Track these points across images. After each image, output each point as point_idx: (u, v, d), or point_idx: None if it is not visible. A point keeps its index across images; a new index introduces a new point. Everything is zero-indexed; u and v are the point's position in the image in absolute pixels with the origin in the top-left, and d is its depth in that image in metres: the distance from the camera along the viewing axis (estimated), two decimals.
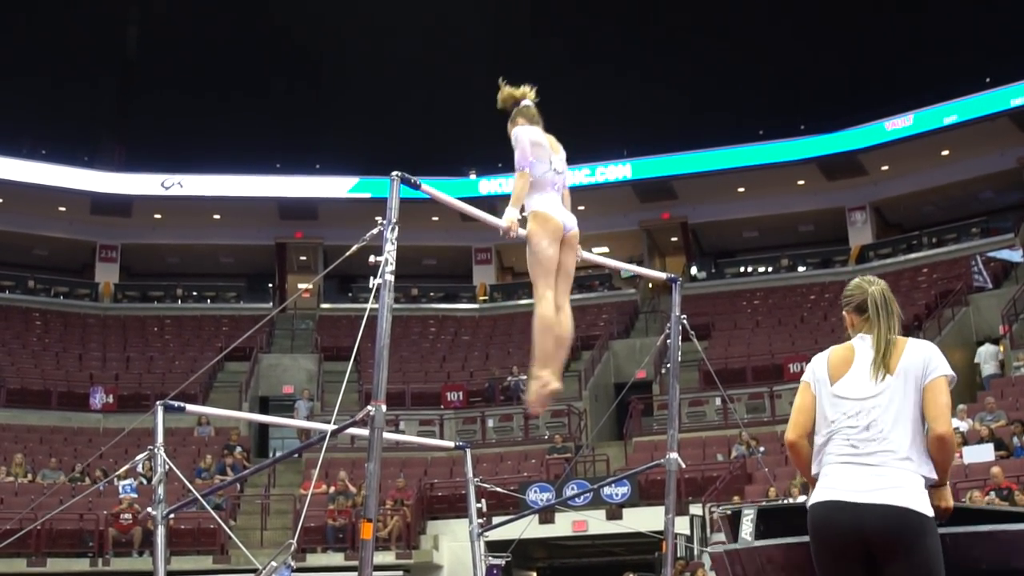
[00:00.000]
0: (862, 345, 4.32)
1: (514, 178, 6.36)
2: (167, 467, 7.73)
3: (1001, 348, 24.07)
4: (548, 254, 6.28)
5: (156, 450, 7.70)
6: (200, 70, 34.07)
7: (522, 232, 6.31)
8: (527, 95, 6.68)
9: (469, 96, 35.51)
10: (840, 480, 4.21)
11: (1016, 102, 27.81)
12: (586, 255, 7.04)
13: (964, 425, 19.53)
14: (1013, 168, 28.99)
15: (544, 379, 6.18)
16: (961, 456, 18.35)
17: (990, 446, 18.26)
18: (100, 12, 33.80)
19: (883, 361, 4.23)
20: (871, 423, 4.19)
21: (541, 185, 6.40)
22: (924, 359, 4.26)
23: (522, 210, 6.36)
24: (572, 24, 34.87)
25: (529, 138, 6.38)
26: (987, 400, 20.45)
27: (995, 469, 16.79)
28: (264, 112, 34.26)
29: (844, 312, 4.47)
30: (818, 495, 4.26)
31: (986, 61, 28.84)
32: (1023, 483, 16.50)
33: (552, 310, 6.25)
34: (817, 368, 4.39)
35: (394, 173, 5.57)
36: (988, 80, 28.23)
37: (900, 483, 4.12)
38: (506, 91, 6.69)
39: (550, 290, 6.28)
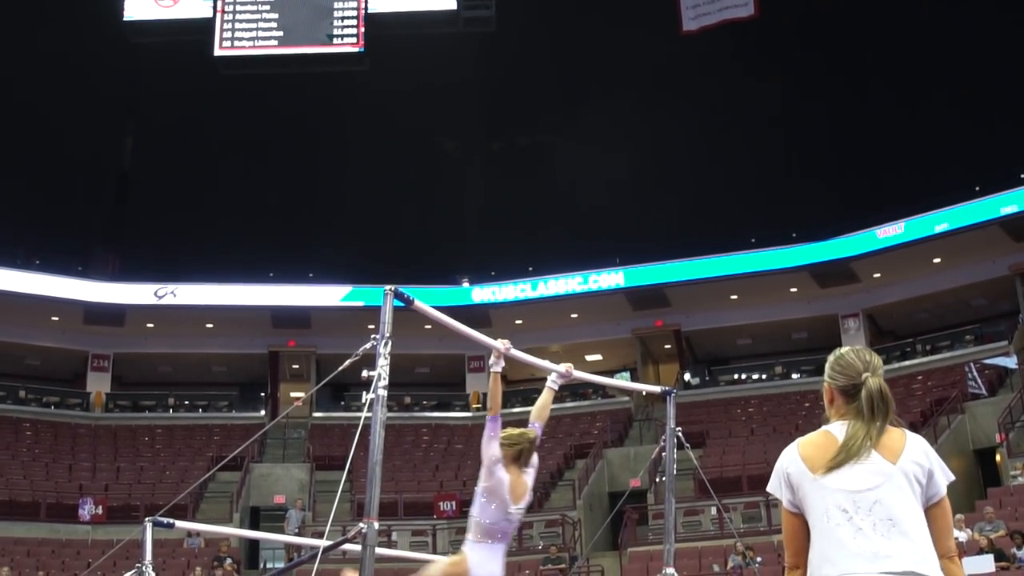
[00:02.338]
0: (843, 432, 3.61)
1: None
2: None
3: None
4: None
5: (144, 567, 7.58)
6: (194, 180, 34.39)
7: (495, 367, 6.33)
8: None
9: (462, 205, 36.05)
10: (843, 552, 3.54)
11: (1006, 210, 28.07)
12: (579, 374, 7.05)
13: (963, 535, 19.32)
14: (1005, 276, 29.13)
15: None
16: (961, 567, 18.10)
17: (990, 557, 18.03)
18: (96, 123, 34.21)
19: (880, 445, 3.59)
20: (875, 504, 3.55)
21: (490, 532, 6.27)
22: (928, 462, 3.67)
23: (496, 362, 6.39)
24: (561, 134, 35.30)
25: (499, 476, 6.26)
26: (985, 510, 20.26)
27: None
28: (257, 221, 34.48)
29: (826, 384, 3.73)
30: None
31: (976, 170, 29.17)
32: None
33: None
34: (790, 468, 3.63)
35: (387, 287, 5.58)
36: (978, 189, 28.52)
37: (925, 553, 3.60)
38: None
39: None
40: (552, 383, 6.63)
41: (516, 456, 6.30)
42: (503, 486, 6.21)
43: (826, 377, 3.72)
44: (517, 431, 6.41)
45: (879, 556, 3.51)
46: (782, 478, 3.65)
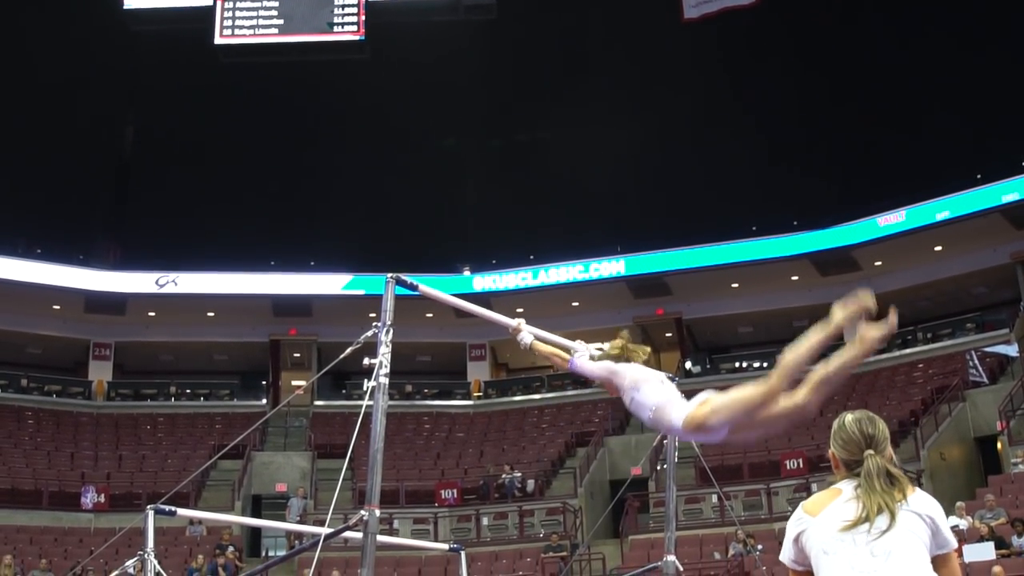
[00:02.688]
0: (850, 489, 3.64)
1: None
2: (157, 571, 7.62)
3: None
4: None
5: (146, 555, 7.60)
6: (195, 169, 34.34)
7: (526, 339, 6.19)
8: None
9: (463, 194, 36.02)
10: None
11: (1008, 198, 28.05)
12: (526, 335, 6.83)
13: (964, 523, 19.35)
14: (1006, 263, 29.12)
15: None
16: (961, 555, 18.16)
17: (990, 544, 18.06)
18: (97, 113, 34.17)
19: (887, 505, 3.55)
20: (878, 537, 3.52)
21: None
22: (933, 519, 3.60)
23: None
24: (561, 123, 35.25)
25: (634, 375, 5.70)
26: (986, 497, 20.29)
27: (996, 568, 16.59)
28: (258, 210, 34.46)
29: (831, 451, 3.77)
30: None
31: (977, 158, 29.15)
32: None
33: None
34: (796, 527, 3.68)
35: (389, 275, 5.58)
36: (979, 176, 28.49)
37: None
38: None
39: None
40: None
41: (619, 359, 5.78)
42: (638, 371, 5.67)
43: (831, 443, 3.74)
44: (608, 350, 5.90)
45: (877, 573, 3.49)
46: (789, 542, 3.71)
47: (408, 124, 34.87)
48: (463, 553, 10.45)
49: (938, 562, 3.56)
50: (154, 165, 35.48)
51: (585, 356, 5.77)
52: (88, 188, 35.02)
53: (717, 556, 21.73)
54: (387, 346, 5.32)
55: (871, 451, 3.62)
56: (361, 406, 5.35)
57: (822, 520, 3.59)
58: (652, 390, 5.58)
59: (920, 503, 3.59)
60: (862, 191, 31.10)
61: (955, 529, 18.98)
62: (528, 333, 6.18)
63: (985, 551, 17.96)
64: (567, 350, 5.97)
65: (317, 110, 35.14)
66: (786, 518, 3.97)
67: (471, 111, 36.00)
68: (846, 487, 3.62)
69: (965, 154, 29.99)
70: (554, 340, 6.33)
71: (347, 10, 32.93)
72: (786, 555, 3.72)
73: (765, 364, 31.76)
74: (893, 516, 3.51)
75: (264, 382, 33.38)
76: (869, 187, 31.38)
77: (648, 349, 5.99)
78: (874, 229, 29.90)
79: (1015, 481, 21.70)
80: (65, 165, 33.65)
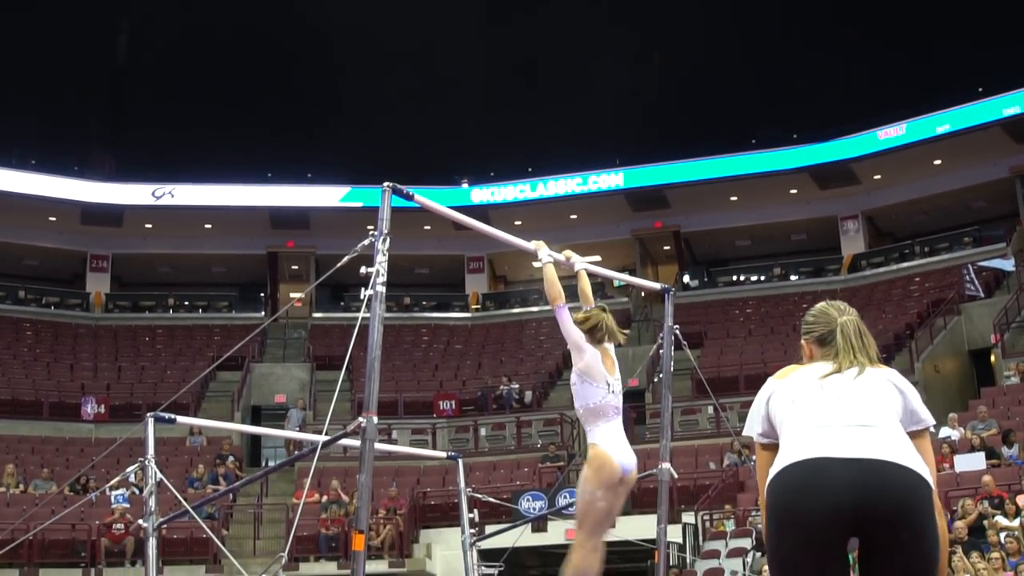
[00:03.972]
0: (823, 364, 3.55)
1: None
2: (158, 478, 7.71)
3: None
4: (600, 507, 6.18)
5: (147, 462, 7.68)
6: (191, 80, 34.07)
7: (544, 258, 6.31)
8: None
9: (461, 105, 35.78)
10: (819, 441, 3.25)
11: (1008, 112, 27.89)
12: (580, 265, 6.98)
13: (955, 434, 19.55)
14: (1005, 178, 29.05)
15: None
16: (952, 465, 18.38)
17: (981, 455, 18.27)
18: (90, 22, 33.78)
19: (859, 361, 3.48)
20: (854, 400, 3.37)
21: (601, 412, 6.24)
22: (907, 394, 3.46)
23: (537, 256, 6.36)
24: (566, 33, 34.90)
25: (587, 354, 6.20)
26: (979, 409, 20.47)
27: (986, 478, 16.79)
28: (255, 121, 34.24)
29: (803, 342, 3.67)
30: (786, 458, 3.28)
31: (979, 71, 28.93)
32: (1014, 491, 16.50)
33: (592, 563, 6.15)
34: (763, 395, 3.59)
35: (385, 184, 5.56)
36: (981, 90, 28.30)
37: (907, 447, 3.25)
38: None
39: (595, 539, 6.20)
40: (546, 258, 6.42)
41: (593, 332, 6.25)
42: (596, 360, 6.19)
43: (803, 335, 3.67)
44: (587, 312, 6.37)
45: (856, 423, 3.29)
46: (758, 409, 3.58)
47: (407, 33, 34.53)
48: (460, 462, 10.56)
49: (913, 439, 3.36)
50: (150, 76, 35.17)
51: (567, 312, 6.13)
52: (83, 98, 34.73)
53: (712, 466, 21.98)
54: (384, 255, 5.32)
55: (846, 316, 3.61)
56: (359, 318, 5.36)
57: (792, 379, 3.53)
58: (592, 393, 6.20)
59: (891, 373, 3.53)
60: (863, 104, 30.92)
61: (947, 440, 19.20)
62: (547, 255, 6.35)
63: (976, 461, 18.18)
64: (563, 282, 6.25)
65: (316, 20, 34.73)
66: None
67: (470, 20, 35.58)
68: (821, 364, 3.54)
69: (967, 67, 29.75)
70: (558, 259, 6.69)
71: None
72: (754, 428, 3.56)
73: (762, 277, 31.86)
74: (863, 369, 3.46)
75: (262, 294, 33.43)
76: (870, 100, 31.17)
77: (622, 339, 6.44)
78: (874, 142, 29.75)
79: (1007, 393, 21.89)
80: (60, 75, 33.35)
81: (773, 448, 3.44)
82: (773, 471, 3.28)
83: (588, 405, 6.21)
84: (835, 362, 3.50)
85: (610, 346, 6.39)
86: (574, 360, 6.23)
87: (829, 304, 3.69)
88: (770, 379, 3.62)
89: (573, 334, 6.15)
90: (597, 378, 6.18)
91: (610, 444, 6.22)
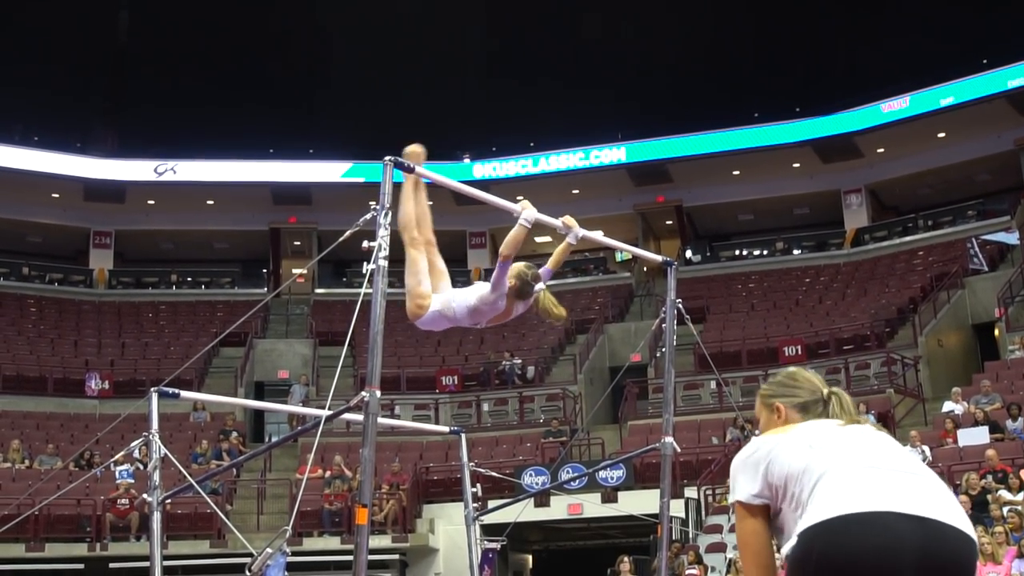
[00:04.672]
0: (824, 420, 3.28)
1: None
2: (162, 453, 7.72)
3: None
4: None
5: (151, 436, 7.69)
6: (192, 55, 33.94)
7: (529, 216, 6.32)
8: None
9: (463, 80, 35.65)
10: (873, 487, 2.88)
11: (1013, 83, 27.78)
12: (586, 234, 6.99)
13: (959, 408, 19.55)
14: (1010, 150, 28.95)
15: None
16: (956, 440, 18.40)
17: (985, 429, 18.28)
18: None
19: (861, 422, 3.25)
20: (886, 446, 3.12)
21: (445, 313, 6.50)
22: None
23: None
24: (564, 8, 34.72)
25: (497, 307, 6.46)
26: (982, 383, 20.47)
27: (990, 452, 16.81)
28: (257, 97, 34.13)
29: (776, 404, 3.37)
30: (833, 506, 2.86)
31: (983, 43, 28.76)
32: (1017, 465, 16.52)
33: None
34: (758, 451, 3.17)
35: (387, 158, 5.55)
36: (985, 62, 28.16)
37: (957, 504, 2.97)
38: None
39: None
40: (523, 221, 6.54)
41: (519, 291, 6.38)
42: (491, 312, 6.42)
43: (774, 396, 3.38)
44: (523, 265, 6.46)
45: (903, 469, 3.00)
46: (755, 466, 3.15)
47: (407, 10, 34.38)
48: (463, 437, 10.57)
49: None
50: (151, 51, 35.00)
51: (508, 269, 6.32)
52: (85, 74, 34.60)
53: (715, 441, 22.01)
54: (386, 229, 5.31)
55: (828, 388, 3.35)
56: (361, 294, 5.35)
57: (798, 431, 3.19)
58: (441, 323, 6.57)
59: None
60: (866, 77, 30.77)
61: (950, 414, 19.21)
62: (529, 218, 6.35)
63: (979, 435, 18.19)
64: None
65: None
66: None
67: None
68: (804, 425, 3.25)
69: (971, 39, 29.58)
70: (546, 221, 6.66)
71: None
72: (747, 488, 3.14)
73: (765, 252, 31.81)
74: (868, 426, 3.23)
75: (265, 270, 33.44)
76: (873, 73, 31.02)
77: (559, 315, 6.51)
78: (877, 115, 29.66)
79: (1011, 367, 21.87)
80: (61, 51, 33.21)
81: (765, 511, 3.12)
82: (813, 520, 2.85)
83: (449, 301, 6.44)
84: (834, 419, 3.26)
85: (520, 305, 6.50)
86: (481, 294, 6.38)
87: (810, 373, 3.44)
88: (763, 437, 3.24)
89: (503, 285, 6.30)
90: (471, 313, 6.40)
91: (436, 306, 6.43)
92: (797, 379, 3.40)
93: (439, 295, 6.45)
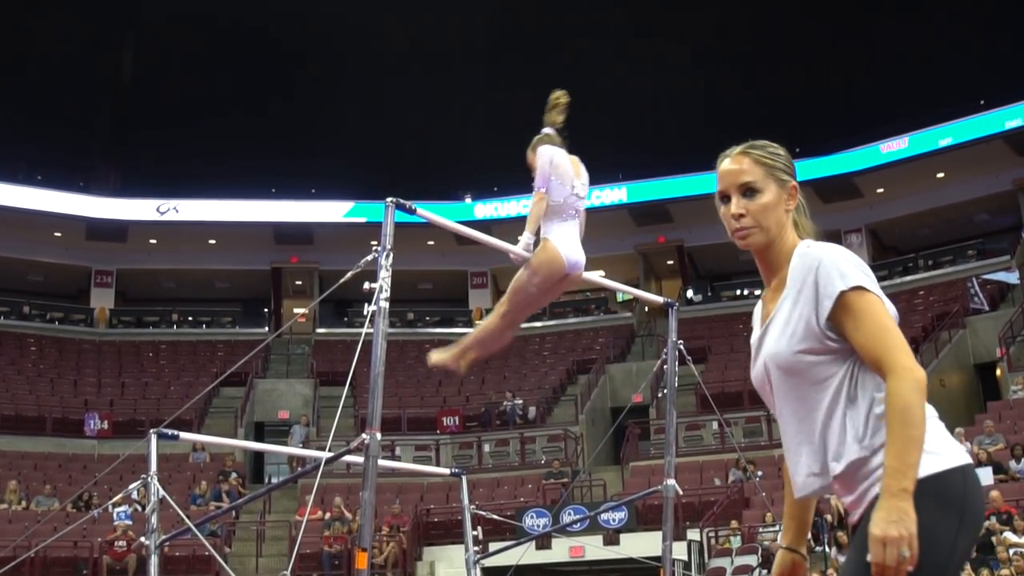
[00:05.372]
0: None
1: (532, 199, 6.46)
2: (160, 495, 7.67)
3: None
4: (531, 292, 6.50)
5: (149, 479, 7.64)
6: (195, 95, 34.09)
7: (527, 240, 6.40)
8: (555, 120, 6.77)
9: (465, 120, 35.80)
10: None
11: (1011, 124, 27.89)
12: (586, 275, 7.03)
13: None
14: (1008, 190, 29.02)
15: (451, 354, 6.65)
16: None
17: (988, 470, 18.19)
18: (96, 37, 33.85)
19: None
20: None
21: (560, 211, 6.53)
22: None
23: (537, 232, 6.47)
24: (566, 48, 34.90)
25: (551, 158, 6.42)
26: (985, 423, 20.40)
27: (994, 493, 16.72)
28: (259, 137, 34.25)
29: (794, 186, 3.03)
30: (957, 454, 2.74)
31: (981, 84, 28.90)
32: (1022, 507, 16.42)
33: (502, 327, 6.63)
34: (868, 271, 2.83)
35: (389, 199, 5.54)
36: (983, 102, 28.29)
37: None
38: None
39: (513, 314, 6.62)
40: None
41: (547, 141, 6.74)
42: (564, 160, 6.70)
43: (791, 173, 3.04)
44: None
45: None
46: (868, 273, 2.78)
47: (411, 48, 34.55)
48: (464, 478, 10.51)
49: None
50: (154, 92, 35.20)
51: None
52: (88, 114, 34.80)
53: (717, 482, 21.90)
54: (387, 270, 5.30)
55: None
56: (362, 334, 5.34)
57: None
58: (557, 191, 6.69)
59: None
60: (865, 117, 30.88)
61: None
62: (528, 238, 6.50)
63: (984, 476, 18.10)
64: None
65: (317, 36, 34.78)
66: None
67: (477, 35, 35.60)
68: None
69: (969, 80, 29.72)
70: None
71: None
72: (873, 286, 2.76)
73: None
74: None
75: (266, 310, 33.43)
76: (872, 113, 31.14)
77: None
78: (876, 156, 29.75)
79: (1014, 407, 21.81)
80: (65, 91, 33.40)
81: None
82: (954, 462, 2.70)
83: (553, 201, 6.56)
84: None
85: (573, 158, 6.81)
86: (545, 167, 6.61)
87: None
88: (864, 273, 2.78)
89: (545, 170, 6.58)
90: (564, 178, 6.57)
91: (562, 241, 6.53)
92: (790, 156, 3.09)
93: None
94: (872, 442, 2.71)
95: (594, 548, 19.43)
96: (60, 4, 32.36)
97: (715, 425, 23.36)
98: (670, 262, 33.75)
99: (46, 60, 32.78)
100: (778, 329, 2.92)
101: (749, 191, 2.98)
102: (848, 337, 2.74)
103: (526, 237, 6.38)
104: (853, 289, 2.73)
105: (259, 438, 27.38)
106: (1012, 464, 18.46)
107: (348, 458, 6.43)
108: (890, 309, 2.76)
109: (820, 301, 2.78)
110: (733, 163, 3.05)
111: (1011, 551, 14.70)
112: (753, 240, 3.05)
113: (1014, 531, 15.64)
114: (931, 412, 2.72)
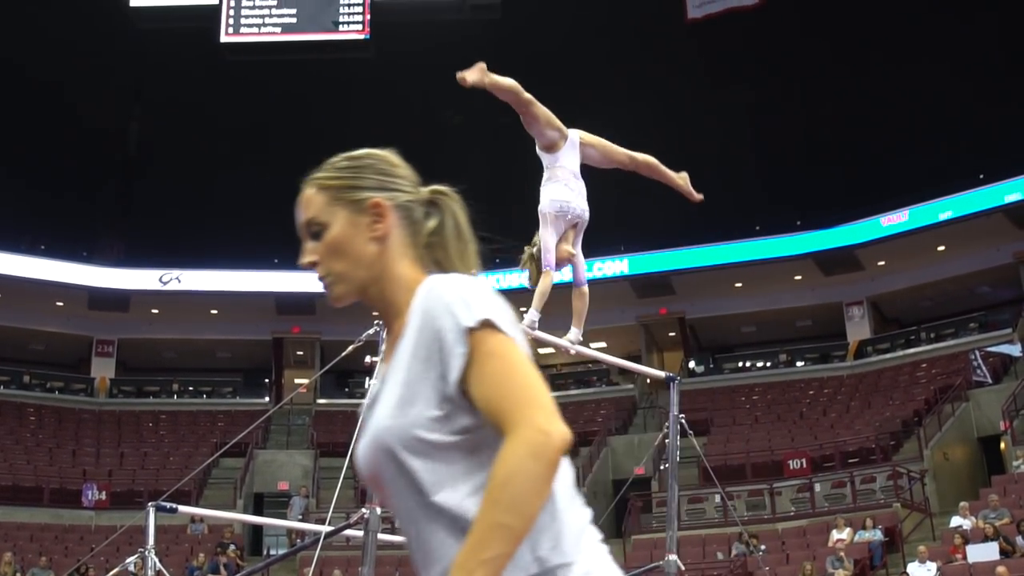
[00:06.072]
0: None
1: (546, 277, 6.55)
2: (157, 568, 7.61)
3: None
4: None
5: (147, 552, 7.58)
6: (199, 166, 34.31)
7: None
8: None
9: (463, 193, 35.96)
10: None
11: (1010, 198, 28.03)
12: (586, 351, 7.04)
13: (967, 523, 19.31)
14: (1009, 263, 29.10)
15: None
16: (965, 556, 18.13)
17: (994, 545, 18.02)
18: (102, 108, 34.13)
19: None
20: None
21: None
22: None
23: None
24: (568, 115, 35.15)
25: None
26: (990, 497, 20.24)
27: (1000, 568, 16.55)
28: (262, 207, 34.32)
29: (376, 202, 2.30)
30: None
31: (980, 158, 29.09)
32: None
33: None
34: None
35: None
36: (982, 176, 28.45)
37: None
38: None
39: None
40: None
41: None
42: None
43: (377, 184, 2.33)
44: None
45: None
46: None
47: (411, 115, 34.83)
48: None
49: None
50: (158, 163, 35.44)
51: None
52: (92, 185, 34.99)
53: (720, 556, 21.70)
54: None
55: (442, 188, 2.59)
56: (364, 404, 5.32)
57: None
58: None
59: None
60: (865, 191, 31.03)
61: (959, 529, 18.96)
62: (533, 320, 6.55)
63: (990, 551, 17.94)
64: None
65: (320, 104, 35.05)
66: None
67: (475, 102, 35.78)
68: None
69: (968, 154, 29.92)
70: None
71: (353, 9, 32.96)
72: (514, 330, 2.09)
73: (768, 364, 31.76)
74: None
75: (267, 380, 33.37)
76: (872, 187, 31.31)
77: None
78: (877, 229, 29.87)
79: (1019, 481, 21.64)
80: (70, 162, 33.63)
81: None
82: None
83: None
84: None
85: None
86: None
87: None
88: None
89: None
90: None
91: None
92: (386, 160, 2.41)
93: None
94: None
95: None
96: (66, 76, 32.66)
97: (717, 498, 23.20)
98: (672, 333, 33.73)
99: (51, 130, 33.02)
100: (391, 396, 2.12)
101: (316, 229, 2.25)
102: (469, 391, 1.99)
103: (531, 314, 6.44)
104: (481, 325, 1.99)
105: (258, 509, 27.18)
106: (1018, 539, 18.29)
107: (348, 532, 6.38)
108: (526, 352, 2.02)
109: (448, 353, 2.01)
110: (301, 198, 2.32)
111: None
112: (336, 292, 2.24)
113: None
114: (575, 498, 2.14)
